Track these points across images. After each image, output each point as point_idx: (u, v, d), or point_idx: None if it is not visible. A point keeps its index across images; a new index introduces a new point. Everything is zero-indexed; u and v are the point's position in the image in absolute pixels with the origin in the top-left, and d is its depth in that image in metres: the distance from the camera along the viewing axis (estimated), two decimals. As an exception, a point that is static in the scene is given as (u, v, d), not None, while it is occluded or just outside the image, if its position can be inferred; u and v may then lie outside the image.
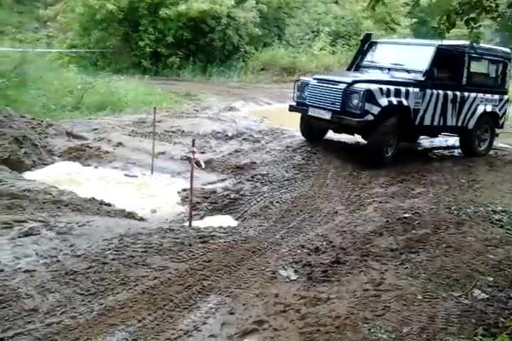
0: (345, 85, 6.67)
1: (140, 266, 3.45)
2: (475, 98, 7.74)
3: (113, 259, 3.49)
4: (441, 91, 7.26)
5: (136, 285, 3.24)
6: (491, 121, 8.23)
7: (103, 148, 7.34)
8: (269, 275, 3.58)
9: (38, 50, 16.80)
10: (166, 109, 10.52)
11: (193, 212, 4.93)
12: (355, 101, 6.52)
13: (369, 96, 6.47)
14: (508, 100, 8.39)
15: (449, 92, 7.38)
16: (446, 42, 6.84)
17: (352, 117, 6.56)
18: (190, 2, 16.73)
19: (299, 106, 7.48)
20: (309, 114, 7.20)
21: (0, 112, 7.07)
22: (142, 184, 6.39)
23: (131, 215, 5.03)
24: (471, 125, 7.81)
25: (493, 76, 8.21)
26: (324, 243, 4.17)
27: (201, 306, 3.13)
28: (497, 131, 8.44)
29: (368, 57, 8.18)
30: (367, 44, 8.21)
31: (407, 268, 3.64)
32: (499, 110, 8.23)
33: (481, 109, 7.86)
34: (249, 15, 17.77)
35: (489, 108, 7.99)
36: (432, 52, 7.17)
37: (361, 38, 8.53)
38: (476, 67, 8.02)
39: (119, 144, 7.55)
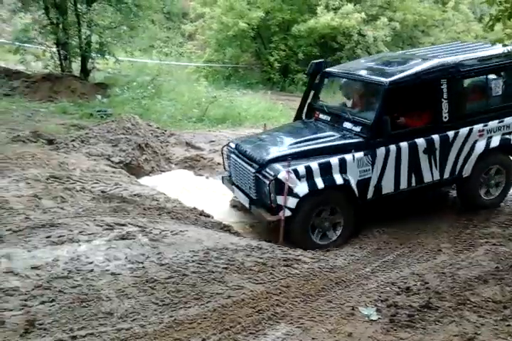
0: (257, 167, 4.87)
1: (217, 283, 3.47)
2: (468, 134, 5.37)
3: (193, 272, 3.55)
4: (404, 144, 5.04)
5: (209, 301, 3.26)
6: (505, 158, 5.75)
7: (216, 159, 7.63)
8: (347, 311, 3.36)
9: (179, 63, 18.24)
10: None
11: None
12: (265, 192, 4.73)
13: (280, 186, 4.56)
14: None
15: (420, 140, 5.11)
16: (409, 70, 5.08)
17: (266, 212, 4.82)
18: (317, 17, 16.94)
19: (229, 182, 5.66)
20: (234, 195, 5.63)
21: (129, 120, 7.74)
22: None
23: (226, 228, 5.12)
24: (467, 172, 5.47)
25: (500, 91, 5.62)
26: (418, 283, 3.81)
27: (269, 333, 3.03)
28: None
29: (321, 97, 5.92)
30: (318, 77, 5.92)
31: (509, 325, 3.15)
32: None
33: (480, 146, 5.44)
34: (381, 34, 17.34)
35: (496, 141, 5.52)
36: (380, 96, 4.94)
37: (308, 70, 5.97)
38: (468, 88, 5.69)
39: (231, 157, 7.79)
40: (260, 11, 17.64)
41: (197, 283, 3.42)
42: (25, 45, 12.47)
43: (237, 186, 5.41)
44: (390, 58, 6.36)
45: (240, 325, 3.07)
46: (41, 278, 3.19)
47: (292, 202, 4.62)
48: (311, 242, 4.76)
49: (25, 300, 2.94)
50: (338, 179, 4.78)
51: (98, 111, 9.26)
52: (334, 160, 4.78)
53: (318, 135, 5.30)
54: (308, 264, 4.03)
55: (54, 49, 11.93)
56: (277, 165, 4.73)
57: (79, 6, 12.13)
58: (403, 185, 5.19)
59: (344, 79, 5.88)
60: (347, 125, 5.18)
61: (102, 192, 5.06)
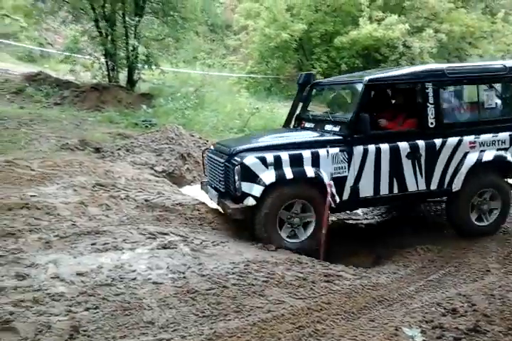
0: (226, 157, 4.79)
1: (257, 296, 3.44)
2: (458, 144, 5.08)
3: (234, 284, 3.54)
4: (384, 145, 4.82)
5: (249, 315, 3.23)
6: (501, 181, 5.35)
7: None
8: (390, 331, 3.24)
9: (222, 74, 18.50)
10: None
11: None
12: (232, 180, 4.60)
13: (245, 173, 4.46)
14: None
15: (403, 144, 4.89)
16: (393, 71, 5.15)
17: (231, 202, 4.69)
18: (359, 28, 16.85)
19: (206, 185, 5.54)
20: (209, 197, 5.38)
21: (173, 130, 7.89)
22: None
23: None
24: (457, 186, 5.11)
25: (494, 104, 5.37)
26: (465, 305, 3.64)
27: (309, 351, 2.97)
28: None
29: (309, 108, 5.87)
30: (308, 88, 5.86)
31: None
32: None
33: (471, 158, 5.11)
34: (426, 45, 17.05)
35: (490, 155, 5.16)
36: (359, 93, 4.86)
37: (298, 80, 5.92)
38: (457, 96, 5.55)
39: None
40: (303, 23, 17.73)
41: (237, 295, 3.40)
42: (76, 55, 12.99)
43: (211, 186, 5.31)
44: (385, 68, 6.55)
45: (280, 340, 3.02)
46: (86, 284, 3.25)
47: (257, 190, 4.46)
48: (278, 237, 4.57)
49: (70, 306, 3.00)
50: (309, 171, 4.58)
51: (143, 121, 9.50)
52: (306, 153, 4.63)
53: (296, 133, 5.38)
54: (349, 281, 3.94)
55: (102, 60, 12.35)
56: (246, 154, 4.60)
57: (127, 18, 12.53)
58: (384, 190, 4.91)
59: (329, 87, 6.02)
60: (328, 127, 5.10)
61: (146, 200, 5.15)
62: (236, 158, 4.60)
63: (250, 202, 4.50)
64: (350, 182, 4.79)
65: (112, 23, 12.44)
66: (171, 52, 14.10)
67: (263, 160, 4.50)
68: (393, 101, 5.56)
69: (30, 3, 12.70)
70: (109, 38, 12.35)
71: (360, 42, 17.07)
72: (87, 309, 2.99)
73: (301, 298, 3.53)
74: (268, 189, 4.48)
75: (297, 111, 5.90)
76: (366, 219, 6.34)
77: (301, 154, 4.60)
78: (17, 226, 4.09)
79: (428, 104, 4.99)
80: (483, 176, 5.23)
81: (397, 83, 5.10)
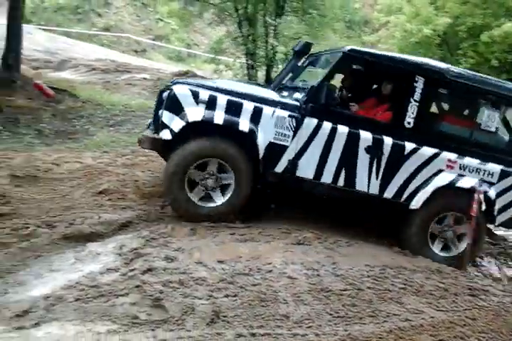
0: (164, 86, 4.36)
1: (393, 303, 3.31)
2: (433, 157, 4.36)
3: (369, 288, 3.44)
4: (344, 128, 4.21)
5: (385, 321, 3.11)
6: (472, 209, 4.36)
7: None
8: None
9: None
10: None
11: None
12: (160, 110, 4.16)
13: (171, 102, 3.99)
14: None
15: (366, 134, 4.24)
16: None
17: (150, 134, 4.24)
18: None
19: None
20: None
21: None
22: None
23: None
24: (416, 203, 4.38)
25: (493, 128, 4.50)
26: None
27: (450, 368, 2.78)
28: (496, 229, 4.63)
29: (302, 76, 5.16)
30: (304, 57, 5.13)
31: None
32: (498, 193, 4.46)
33: (444, 178, 4.36)
34: None
35: (467, 182, 4.38)
36: (335, 61, 4.29)
37: (296, 47, 5.14)
38: (450, 104, 4.91)
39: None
40: (448, 16, 16.58)
41: (373, 299, 3.31)
42: (218, 57, 13.76)
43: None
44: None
45: (418, 352, 2.87)
46: (226, 272, 3.41)
47: (176, 124, 3.95)
48: (184, 198, 4.08)
49: (212, 291, 3.17)
50: (244, 125, 4.03)
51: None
52: (249, 105, 4.08)
53: (260, 88, 4.69)
54: (498, 297, 3.61)
55: (243, 59, 12.91)
56: (184, 85, 4.11)
57: (268, 18, 12.92)
58: (326, 177, 4.28)
59: (318, 58, 5.16)
60: (296, 95, 4.48)
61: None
62: (175, 86, 4.14)
63: (166, 135, 4.00)
64: (289, 155, 4.20)
65: (253, 24, 12.94)
66: (308, 51, 14.22)
67: (195, 95, 4.02)
68: (378, 89, 4.86)
69: (182, 7, 13.75)
70: (250, 38, 12.86)
71: (514, 35, 15.44)
72: (227, 296, 3.13)
73: (441, 310, 3.31)
74: (187, 127, 3.97)
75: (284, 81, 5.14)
76: None
77: (242, 103, 4.07)
78: (166, 212, 4.45)
79: (412, 100, 4.31)
80: (451, 198, 4.42)
81: (383, 65, 4.33)
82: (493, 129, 4.50)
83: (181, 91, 4.03)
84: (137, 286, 3.08)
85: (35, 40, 15.06)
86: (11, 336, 2.58)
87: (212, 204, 4.19)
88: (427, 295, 3.46)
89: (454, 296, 3.50)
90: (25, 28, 8.87)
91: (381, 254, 4.13)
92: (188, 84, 4.16)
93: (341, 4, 15.58)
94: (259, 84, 5.49)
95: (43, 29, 18.40)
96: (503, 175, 4.47)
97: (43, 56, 14.18)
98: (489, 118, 4.48)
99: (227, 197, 4.20)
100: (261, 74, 12.99)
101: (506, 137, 4.75)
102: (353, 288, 3.42)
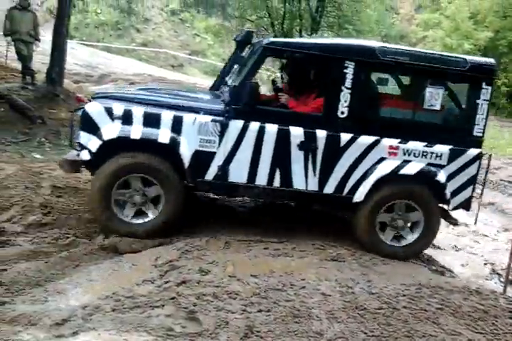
0: (84, 104, 4.12)
1: (430, 323, 3.22)
2: (373, 145, 4.13)
3: (404, 307, 3.37)
4: (273, 127, 4.02)
5: (422, 342, 3.04)
6: (424, 194, 4.23)
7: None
8: None
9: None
10: (509, 156, 9.55)
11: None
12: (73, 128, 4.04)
13: (85, 121, 3.85)
14: (478, 157, 4.24)
15: (296, 130, 4.05)
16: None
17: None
18: None
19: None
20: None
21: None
22: (460, 233, 5.99)
23: (439, 264, 4.79)
24: (358, 197, 4.19)
25: (438, 106, 4.13)
26: None
27: None
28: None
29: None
30: (248, 47, 4.79)
31: None
32: (450, 176, 4.21)
33: (386, 167, 4.13)
34: None
35: (413, 168, 4.14)
36: (255, 56, 4.08)
37: (238, 37, 4.94)
38: (392, 88, 4.57)
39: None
40: (488, 30, 16.33)
41: (408, 319, 3.23)
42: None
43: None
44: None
45: (456, 376, 2.78)
46: (259, 286, 3.41)
47: (93, 144, 3.82)
48: (116, 219, 3.96)
49: (245, 306, 3.17)
50: (164, 136, 3.86)
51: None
52: (167, 115, 3.90)
53: (188, 94, 4.47)
54: (541, 321, 3.45)
55: (278, 74, 13.02)
56: (96, 102, 3.95)
57: (303, 33, 13.04)
58: (261, 180, 4.11)
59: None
60: (226, 94, 4.28)
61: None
62: (92, 104, 3.99)
63: (85, 156, 3.86)
64: (218, 161, 4.05)
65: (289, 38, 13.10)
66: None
67: (109, 111, 3.86)
68: (309, 80, 4.57)
69: (219, 23, 14.04)
70: (285, 52, 12.99)
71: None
72: (260, 311, 3.13)
73: (481, 333, 3.21)
74: (105, 145, 3.83)
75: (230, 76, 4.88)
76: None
77: (159, 114, 3.90)
78: (201, 225, 4.51)
79: (343, 89, 4.06)
80: (398, 186, 4.21)
81: (309, 54, 4.08)
82: (437, 107, 4.17)
83: (93, 109, 3.90)
84: (172, 298, 3.13)
85: (77, 55, 15.66)
86: (51, 343, 2.65)
87: (146, 219, 4.09)
88: (465, 317, 3.35)
89: (493, 318, 3.38)
90: (69, 43, 9.20)
91: (417, 273, 4.05)
92: (107, 97, 4.04)
93: (377, 19, 15.56)
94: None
95: (85, 44, 19.12)
96: (453, 155, 4.21)
97: (84, 70, 14.74)
98: (432, 96, 4.13)
99: (159, 210, 4.07)
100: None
101: (455, 114, 4.48)
102: (388, 306, 3.35)
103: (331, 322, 3.11)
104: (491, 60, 4.33)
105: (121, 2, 22.30)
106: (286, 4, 13.15)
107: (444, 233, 5.71)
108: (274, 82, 5.36)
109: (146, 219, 4.08)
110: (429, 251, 4.96)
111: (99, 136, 3.84)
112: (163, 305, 3.06)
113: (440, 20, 17.28)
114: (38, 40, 9.07)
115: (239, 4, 14.33)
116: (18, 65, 9.44)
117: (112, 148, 3.87)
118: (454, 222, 4.61)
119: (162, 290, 3.22)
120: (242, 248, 4.04)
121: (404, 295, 3.53)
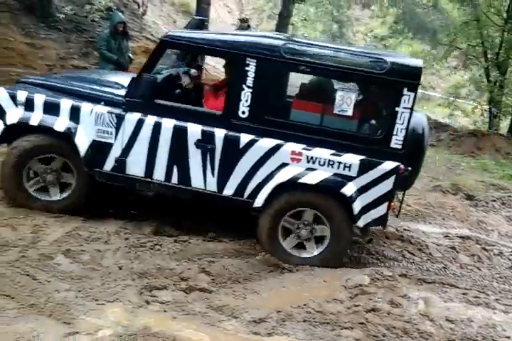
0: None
1: None
2: (273, 150, 3.72)
3: None
4: (169, 123, 3.84)
5: None
6: (328, 206, 3.75)
7: None
8: None
9: None
10: None
11: None
12: None
13: None
14: (394, 172, 3.61)
15: (194, 128, 3.81)
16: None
17: None
18: None
19: None
20: None
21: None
22: None
23: None
24: (258, 201, 3.81)
25: (350, 111, 3.64)
26: None
27: None
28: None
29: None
30: None
31: None
32: (358, 189, 3.68)
33: (285, 174, 3.74)
34: None
35: (315, 177, 3.67)
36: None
37: (189, 26, 4.69)
38: (298, 88, 4.10)
39: None
40: None
41: None
42: (457, 100, 13.14)
43: None
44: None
45: None
46: (454, 333, 3.17)
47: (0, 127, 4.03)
48: (22, 189, 4.07)
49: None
50: (60, 124, 3.95)
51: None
52: (66, 103, 3.98)
53: (108, 80, 4.42)
54: None
55: (485, 106, 12.04)
56: (3, 87, 4.10)
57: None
58: (159, 175, 3.99)
59: None
60: None
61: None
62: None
63: None
64: (115, 153, 4.00)
65: (503, 70, 12.03)
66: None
67: (13, 97, 4.02)
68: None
69: (427, 51, 13.61)
70: (497, 84, 11.96)
71: None
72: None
73: None
74: (9, 130, 4.02)
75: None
76: None
77: (58, 103, 3.98)
78: (391, 255, 4.39)
79: (244, 87, 3.78)
80: (299, 194, 3.83)
81: (210, 49, 3.98)
82: (349, 113, 3.69)
83: (0, 95, 4.06)
84: (361, 323, 3.10)
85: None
86: (248, 338, 2.85)
87: (50, 198, 4.15)
88: None
89: None
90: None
91: None
92: (26, 83, 4.25)
93: None
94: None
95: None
96: (364, 167, 3.71)
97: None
98: (343, 101, 3.66)
99: (69, 191, 4.15)
100: (506, 123, 11.89)
101: (371, 122, 3.98)
102: None
103: None
104: (417, 62, 3.81)
105: (334, 27, 23.22)
106: (505, 33, 12.14)
107: None
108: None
109: (51, 198, 4.16)
110: None
111: (4, 120, 4.07)
112: (352, 328, 3.05)
113: None
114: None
115: (450, 31, 13.71)
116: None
117: (18, 131, 4.10)
118: (367, 240, 4.34)
119: (351, 313, 3.22)
120: (435, 287, 3.81)
121: None
